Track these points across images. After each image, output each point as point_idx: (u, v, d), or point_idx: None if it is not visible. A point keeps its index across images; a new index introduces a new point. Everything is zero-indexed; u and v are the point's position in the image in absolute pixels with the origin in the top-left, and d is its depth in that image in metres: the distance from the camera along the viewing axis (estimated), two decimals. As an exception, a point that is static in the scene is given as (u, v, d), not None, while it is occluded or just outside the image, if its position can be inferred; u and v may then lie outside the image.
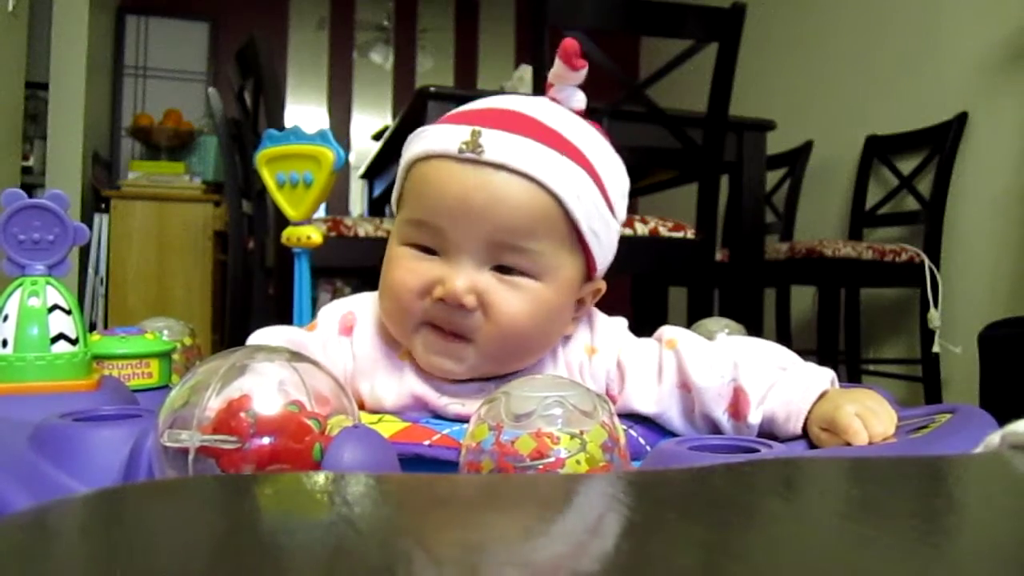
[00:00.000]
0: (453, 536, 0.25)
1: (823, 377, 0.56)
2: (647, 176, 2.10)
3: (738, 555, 0.24)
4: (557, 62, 0.60)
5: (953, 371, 2.06)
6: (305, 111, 3.76)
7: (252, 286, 2.08)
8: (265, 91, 1.76)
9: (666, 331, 0.64)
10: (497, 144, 0.55)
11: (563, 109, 0.61)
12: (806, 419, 0.55)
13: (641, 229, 1.57)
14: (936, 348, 2.01)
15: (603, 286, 0.64)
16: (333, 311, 0.67)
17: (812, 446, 0.54)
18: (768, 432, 0.57)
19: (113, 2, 3.49)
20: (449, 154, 0.55)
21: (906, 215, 2.27)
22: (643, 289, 2.53)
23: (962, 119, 2.10)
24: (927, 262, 2.04)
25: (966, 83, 2.12)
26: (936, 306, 2.01)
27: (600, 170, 0.59)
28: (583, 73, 0.61)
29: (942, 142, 2.13)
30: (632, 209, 2.99)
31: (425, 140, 0.58)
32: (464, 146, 0.55)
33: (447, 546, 0.24)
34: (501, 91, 2.05)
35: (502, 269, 0.57)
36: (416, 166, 0.58)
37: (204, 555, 0.23)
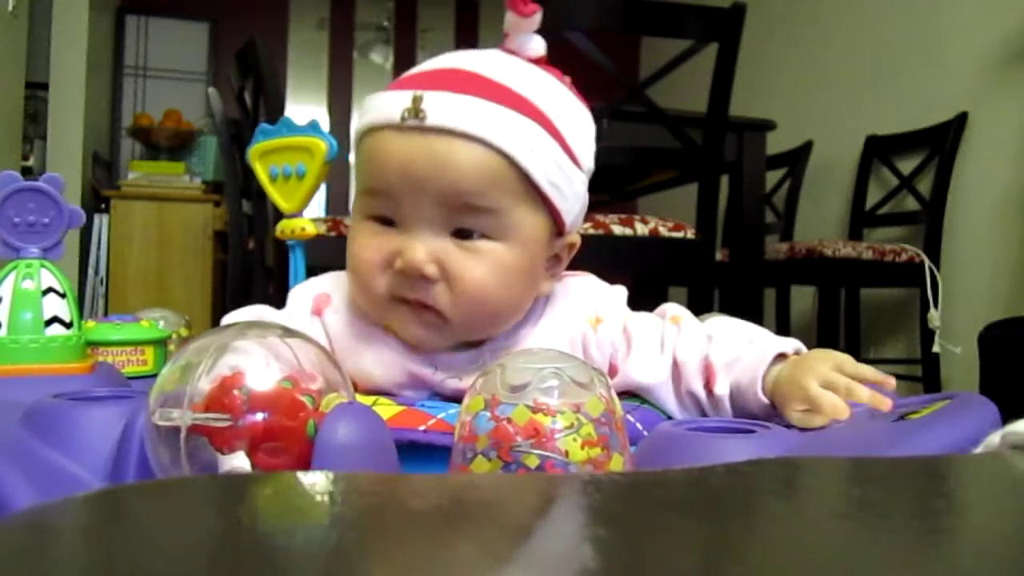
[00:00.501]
0: (453, 536, 0.25)
1: (784, 343, 0.57)
2: (647, 176, 2.10)
3: (738, 555, 0.24)
4: (508, 11, 0.58)
5: (953, 371, 2.06)
6: (305, 111, 3.76)
7: (252, 286, 2.08)
8: (265, 91, 1.76)
9: (669, 308, 0.64)
10: (439, 107, 0.53)
11: (515, 60, 0.58)
12: (771, 387, 0.55)
13: (641, 229, 1.57)
14: (936, 348, 2.01)
15: (577, 240, 0.62)
16: (305, 291, 0.65)
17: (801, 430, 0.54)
18: (739, 404, 0.57)
19: (113, 2, 3.49)
20: (393, 123, 0.54)
21: (906, 215, 2.27)
22: (643, 289, 2.53)
23: (962, 119, 2.10)
24: (927, 262, 2.04)
25: (966, 83, 2.12)
26: (936, 306, 2.01)
27: (557, 120, 0.56)
28: (537, 18, 0.57)
29: (942, 142, 2.13)
30: (632, 209, 2.98)
31: (371, 111, 0.56)
32: (407, 113, 0.53)
33: (447, 546, 0.24)
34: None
35: (462, 234, 0.55)
36: (364, 138, 0.57)
37: (204, 555, 0.23)
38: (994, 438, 0.37)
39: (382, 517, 0.27)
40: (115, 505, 0.27)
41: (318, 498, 0.29)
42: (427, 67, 0.58)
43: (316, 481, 0.31)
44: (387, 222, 0.56)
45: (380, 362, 0.59)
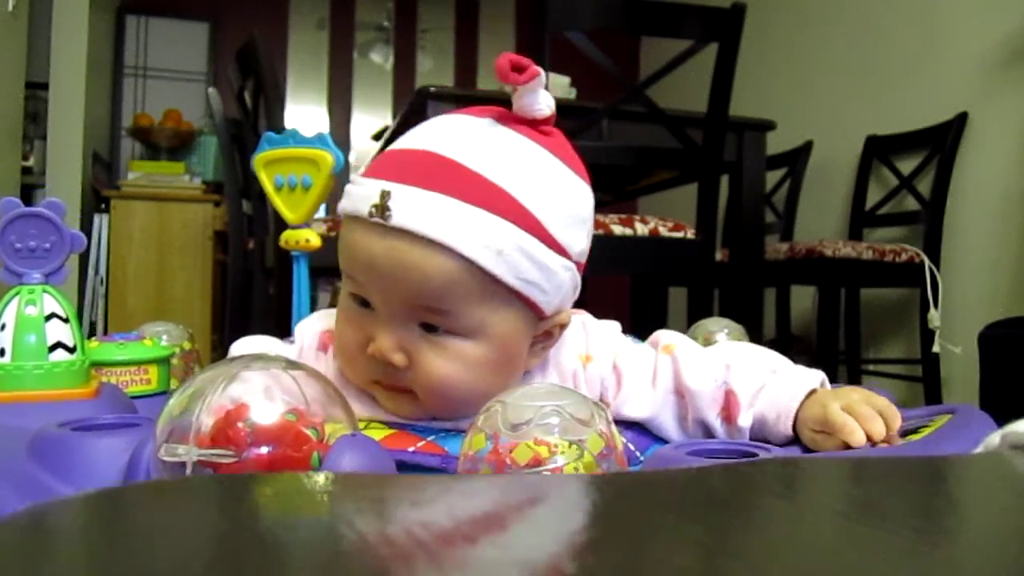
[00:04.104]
0: (452, 536, 0.25)
1: (812, 377, 0.57)
2: (647, 176, 2.10)
3: (737, 555, 0.24)
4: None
5: (953, 371, 2.06)
6: (305, 111, 3.76)
7: (252, 286, 2.08)
8: (265, 91, 1.77)
9: (662, 336, 0.63)
10: (404, 206, 0.52)
11: (503, 136, 0.56)
12: (796, 420, 0.55)
13: (641, 229, 1.57)
14: (936, 348, 2.01)
15: (566, 319, 0.60)
16: (312, 326, 0.66)
17: (807, 451, 0.54)
18: (760, 435, 0.57)
19: (113, 2, 3.49)
20: (362, 216, 0.53)
21: (906, 215, 2.27)
22: (643, 289, 2.53)
23: (962, 119, 2.10)
24: (927, 262, 2.04)
25: (966, 83, 2.12)
26: (936, 306, 2.01)
27: (539, 210, 0.54)
28: (539, 80, 0.55)
29: (942, 142, 2.13)
30: (632, 209, 2.97)
31: (347, 199, 0.56)
32: (373, 210, 0.52)
33: (446, 546, 0.24)
34: (501, 91, 2.05)
35: (429, 328, 0.55)
36: (343, 222, 0.57)
37: (204, 555, 0.23)
38: (994, 438, 0.37)
39: (381, 517, 0.27)
40: (115, 505, 0.27)
41: (318, 499, 0.29)
42: (407, 144, 0.57)
43: (316, 482, 0.31)
44: (365, 303, 0.56)
45: (369, 406, 0.59)
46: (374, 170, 0.56)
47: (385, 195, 0.52)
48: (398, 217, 0.52)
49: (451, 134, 0.56)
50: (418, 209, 0.52)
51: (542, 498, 0.30)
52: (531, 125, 0.57)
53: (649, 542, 0.24)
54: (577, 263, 0.58)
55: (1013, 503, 0.29)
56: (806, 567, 0.22)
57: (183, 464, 0.41)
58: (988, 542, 0.25)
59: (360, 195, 0.54)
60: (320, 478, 0.32)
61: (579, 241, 0.58)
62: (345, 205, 0.56)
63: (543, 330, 0.59)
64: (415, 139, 0.57)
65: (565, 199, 0.56)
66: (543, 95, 0.56)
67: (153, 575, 0.20)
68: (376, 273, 0.54)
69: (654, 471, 0.43)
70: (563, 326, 0.60)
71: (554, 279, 0.55)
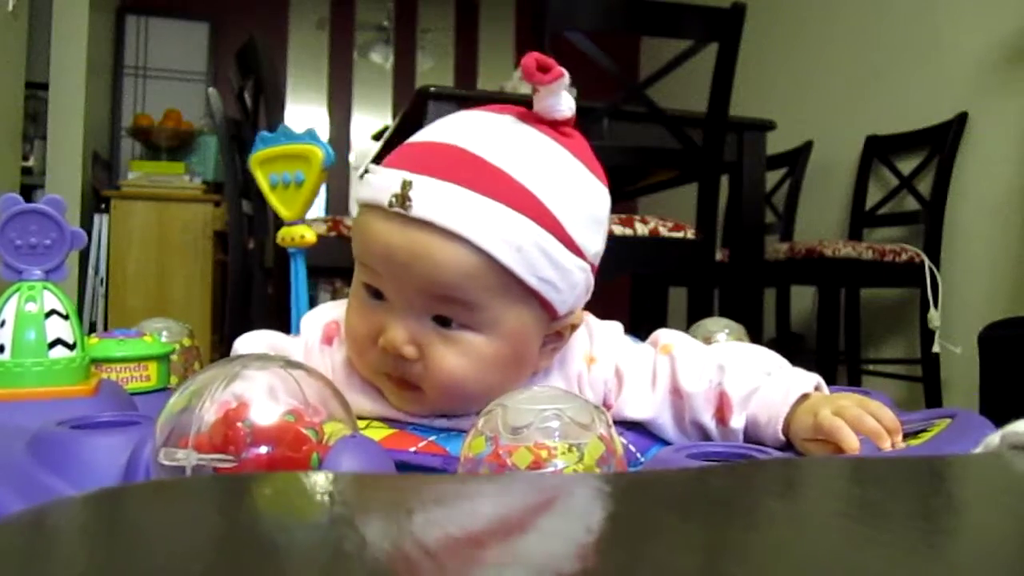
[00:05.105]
0: (453, 536, 0.25)
1: (806, 381, 0.56)
2: (647, 176, 2.10)
3: (738, 556, 0.24)
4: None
5: (953, 371, 2.06)
6: (305, 111, 3.76)
7: (252, 286, 2.08)
8: (265, 91, 1.77)
9: (662, 335, 0.63)
10: (426, 197, 0.52)
11: (525, 133, 0.56)
12: (788, 425, 0.54)
13: (641, 229, 1.57)
14: (936, 348, 2.01)
15: (579, 319, 0.60)
16: (317, 319, 0.66)
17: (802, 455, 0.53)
18: (753, 438, 0.57)
19: (113, 2, 3.49)
20: (381, 206, 0.53)
21: (906, 215, 2.27)
22: (643, 289, 2.53)
23: (962, 119, 2.10)
24: (927, 262, 2.04)
25: (966, 83, 2.12)
26: (936, 306, 2.01)
27: (558, 209, 0.54)
28: (562, 81, 0.55)
29: (942, 142, 2.13)
30: (632, 209, 2.96)
31: (366, 187, 0.56)
32: (394, 199, 0.52)
33: (446, 546, 0.24)
34: (501, 92, 2.05)
35: (442, 321, 0.55)
36: (360, 210, 0.57)
37: (204, 555, 0.23)
38: (994, 438, 0.37)
39: (381, 517, 0.27)
40: (115, 505, 0.27)
41: (318, 498, 0.29)
42: (428, 137, 0.57)
43: (316, 481, 0.31)
44: (378, 294, 0.56)
45: (373, 399, 0.60)
46: (395, 161, 0.56)
47: (407, 185, 0.52)
48: (419, 208, 0.52)
49: (474, 130, 0.56)
50: (440, 201, 0.52)
51: (543, 499, 0.30)
52: (551, 126, 0.57)
53: (650, 543, 0.24)
54: (592, 264, 0.58)
55: (1013, 503, 0.29)
56: (807, 567, 0.22)
57: (182, 467, 0.41)
58: (988, 542, 0.25)
59: (380, 184, 0.54)
60: (320, 478, 0.32)
61: (595, 242, 0.58)
62: (363, 194, 0.56)
63: (554, 330, 0.59)
64: (437, 133, 0.57)
65: (584, 200, 0.57)
66: (565, 97, 0.56)
67: (153, 575, 0.20)
68: (392, 263, 0.53)
69: (654, 471, 0.43)
70: (574, 327, 0.61)
71: (569, 279, 0.55)
